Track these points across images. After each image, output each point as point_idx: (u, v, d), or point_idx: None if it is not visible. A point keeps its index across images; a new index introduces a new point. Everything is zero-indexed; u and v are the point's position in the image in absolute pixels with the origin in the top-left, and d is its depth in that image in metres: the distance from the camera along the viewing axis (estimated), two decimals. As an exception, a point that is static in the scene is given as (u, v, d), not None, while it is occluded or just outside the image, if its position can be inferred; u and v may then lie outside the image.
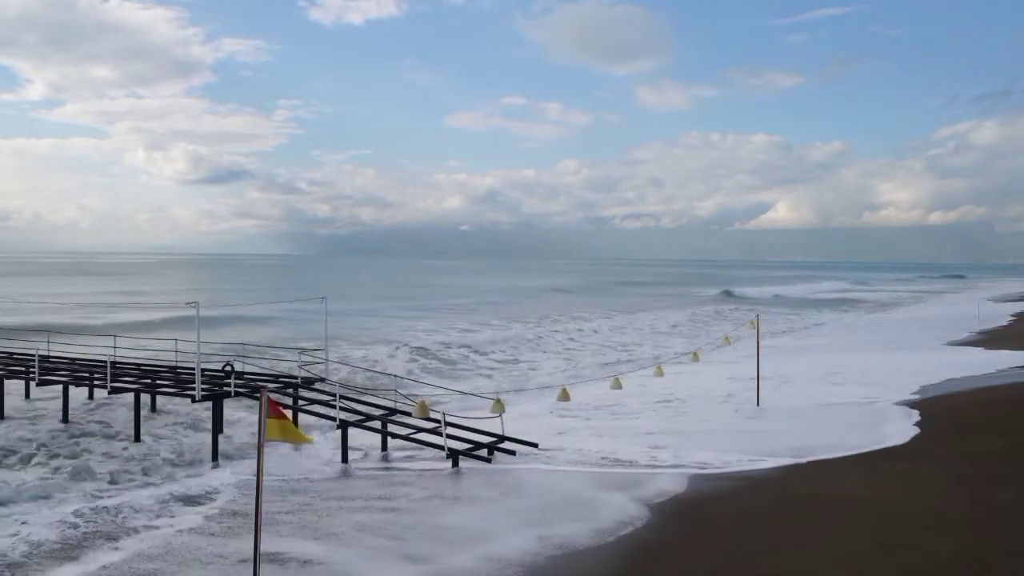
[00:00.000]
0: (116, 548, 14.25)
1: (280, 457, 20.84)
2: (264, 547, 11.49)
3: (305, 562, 13.43)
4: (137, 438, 23.02)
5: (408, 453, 21.74)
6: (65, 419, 24.94)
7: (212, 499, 17.68)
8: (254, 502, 10.98)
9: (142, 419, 23.71)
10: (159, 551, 14.04)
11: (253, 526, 10.98)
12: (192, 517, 16.15)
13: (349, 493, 18.08)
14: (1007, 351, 42.95)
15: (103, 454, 21.68)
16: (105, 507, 16.68)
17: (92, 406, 26.79)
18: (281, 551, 13.79)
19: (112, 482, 19.24)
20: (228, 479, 19.35)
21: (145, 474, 20.16)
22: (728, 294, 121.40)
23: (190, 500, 17.54)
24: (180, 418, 25.81)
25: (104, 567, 13.29)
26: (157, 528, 15.43)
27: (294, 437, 11.43)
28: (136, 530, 15.29)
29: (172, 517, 16.14)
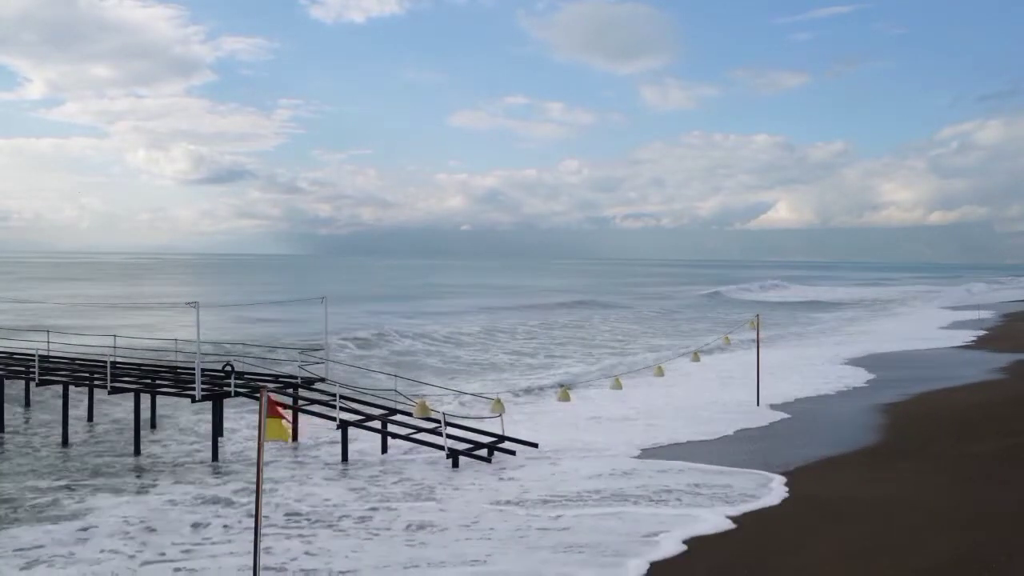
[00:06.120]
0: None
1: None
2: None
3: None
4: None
5: (408, 453, 21.75)
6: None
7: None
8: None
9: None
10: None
11: (253, 525, 10.98)
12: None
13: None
14: (1007, 352, 42.95)
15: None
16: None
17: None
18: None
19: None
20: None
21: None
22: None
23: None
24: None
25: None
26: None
27: (279, 435, 11.51)
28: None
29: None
